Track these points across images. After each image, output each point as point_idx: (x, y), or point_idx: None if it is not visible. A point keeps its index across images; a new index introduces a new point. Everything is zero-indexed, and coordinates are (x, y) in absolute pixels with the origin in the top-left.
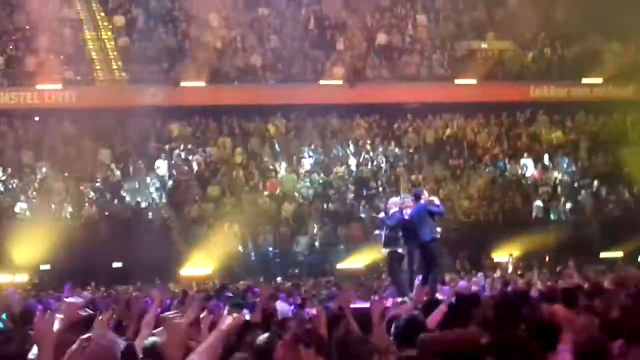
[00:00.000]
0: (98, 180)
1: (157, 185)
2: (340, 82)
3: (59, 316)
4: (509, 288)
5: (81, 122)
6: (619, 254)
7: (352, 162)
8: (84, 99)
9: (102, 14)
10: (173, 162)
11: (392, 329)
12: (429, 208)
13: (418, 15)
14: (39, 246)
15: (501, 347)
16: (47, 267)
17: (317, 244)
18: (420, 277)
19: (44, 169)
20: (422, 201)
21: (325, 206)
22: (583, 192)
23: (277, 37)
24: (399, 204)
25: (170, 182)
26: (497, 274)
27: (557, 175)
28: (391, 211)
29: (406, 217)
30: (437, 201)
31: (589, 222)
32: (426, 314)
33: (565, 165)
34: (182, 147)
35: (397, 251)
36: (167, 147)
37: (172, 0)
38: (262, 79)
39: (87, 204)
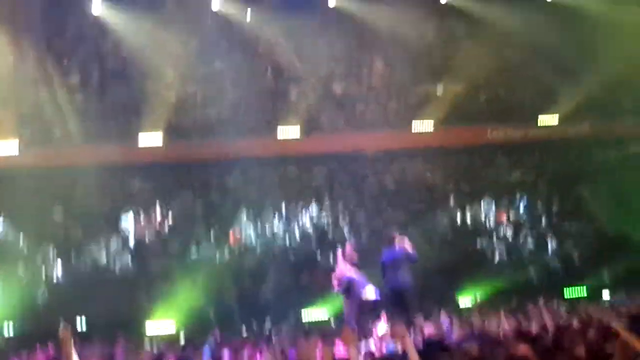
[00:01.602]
0: (57, 239)
1: (118, 243)
2: (297, 132)
3: None
4: (475, 331)
5: (38, 181)
6: (583, 291)
7: (313, 210)
8: (41, 158)
9: (57, 72)
10: (134, 218)
11: None
12: (407, 253)
13: (373, 63)
14: None
15: None
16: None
17: (280, 293)
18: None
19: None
20: (396, 245)
21: (287, 256)
22: (544, 231)
23: (234, 90)
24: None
25: (132, 239)
26: (462, 317)
27: (518, 215)
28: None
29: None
30: (409, 246)
31: (551, 261)
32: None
33: (525, 205)
34: (142, 203)
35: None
36: (127, 203)
37: (126, 57)
38: (220, 133)
39: (47, 263)
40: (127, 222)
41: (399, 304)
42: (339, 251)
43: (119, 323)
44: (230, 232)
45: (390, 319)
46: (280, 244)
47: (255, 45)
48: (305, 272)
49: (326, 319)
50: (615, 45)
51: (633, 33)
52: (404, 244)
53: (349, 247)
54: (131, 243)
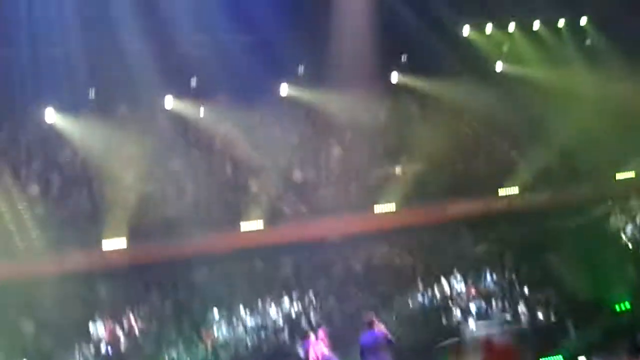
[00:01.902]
0: (28, 352)
1: (91, 351)
2: (260, 224)
3: None
4: None
5: (3, 295)
6: (558, 358)
7: (284, 301)
8: (5, 272)
9: (16, 184)
10: (104, 325)
11: None
12: (387, 335)
13: (330, 148)
14: None
15: None
16: None
17: None
18: None
19: None
20: (375, 329)
21: (260, 349)
22: (515, 301)
23: (193, 186)
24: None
25: (103, 346)
26: None
27: (487, 287)
28: None
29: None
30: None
31: (524, 331)
32: None
33: (493, 277)
34: (110, 308)
35: None
36: (95, 310)
37: (84, 163)
38: (183, 231)
39: None
40: (98, 329)
41: None
42: (312, 336)
43: None
44: (203, 330)
45: None
46: (253, 338)
47: (211, 141)
48: None
49: None
50: (567, 111)
51: (583, 100)
52: (382, 327)
53: (322, 332)
54: (103, 350)
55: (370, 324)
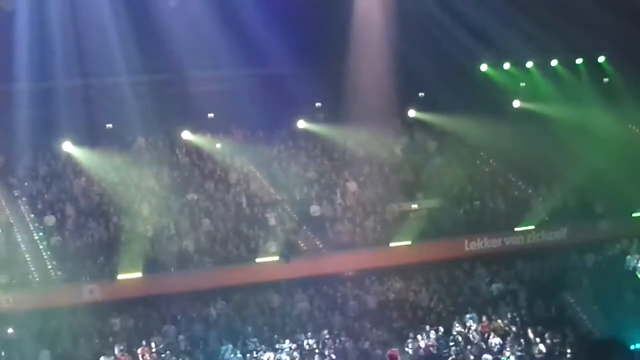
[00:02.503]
0: None
1: None
2: (276, 258)
3: None
4: None
5: (20, 325)
6: None
7: (299, 336)
8: (21, 302)
9: (32, 215)
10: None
11: None
12: None
13: (347, 183)
14: None
15: None
16: None
17: None
18: None
19: None
20: None
21: None
22: (529, 340)
23: (209, 220)
24: None
25: None
26: None
27: (502, 325)
28: None
29: None
30: None
31: None
32: None
33: (509, 315)
34: (125, 340)
35: None
36: (110, 341)
37: (101, 195)
38: (199, 264)
39: None
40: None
41: None
42: None
43: None
44: None
45: None
46: None
47: (227, 174)
48: None
49: None
50: (584, 148)
51: (600, 138)
52: None
53: None
54: None
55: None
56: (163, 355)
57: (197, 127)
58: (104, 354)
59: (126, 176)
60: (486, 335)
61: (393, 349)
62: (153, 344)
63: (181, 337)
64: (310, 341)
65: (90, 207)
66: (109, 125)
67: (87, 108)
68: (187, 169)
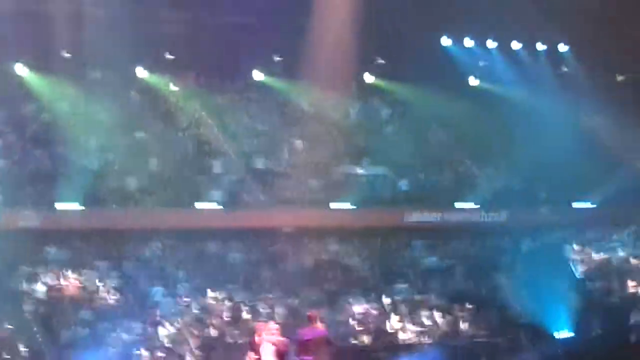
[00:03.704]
0: None
1: (30, 309)
2: (217, 206)
3: None
4: None
5: None
6: None
7: (230, 286)
8: None
9: None
10: (48, 286)
11: None
12: (327, 335)
13: (295, 140)
14: None
15: None
16: None
17: None
18: None
19: None
20: (317, 325)
21: (203, 331)
22: (457, 316)
23: (155, 160)
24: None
25: (43, 306)
26: None
27: (431, 299)
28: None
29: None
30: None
31: (463, 346)
32: None
33: (440, 290)
34: (57, 270)
35: None
36: (41, 270)
37: (48, 123)
38: (139, 203)
39: None
40: (40, 286)
41: None
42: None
43: None
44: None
45: None
46: (195, 321)
47: (178, 117)
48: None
49: None
50: (535, 134)
51: (552, 125)
52: (322, 326)
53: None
54: (43, 310)
55: (312, 320)
56: (93, 289)
57: (154, 67)
58: (35, 281)
59: (77, 107)
60: (413, 308)
61: (314, 309)
62: (83, 276)
63: (113, 273)
64: (241, 293)
65: (37, 135)
66: (66, 54)
67: (45, 32)
68: (139, 107)
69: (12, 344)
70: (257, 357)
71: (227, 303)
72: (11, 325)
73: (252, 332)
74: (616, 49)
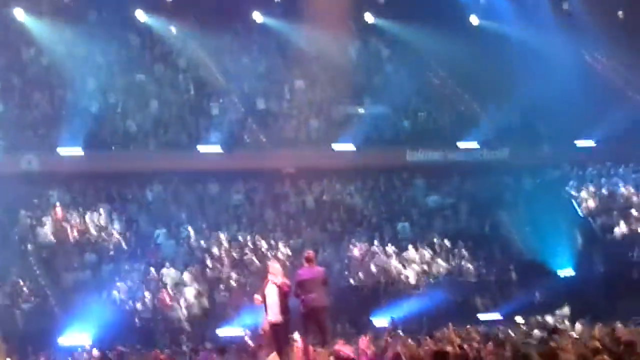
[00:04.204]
0: None
1: (33, 253)
2: (218, 148)
3: None
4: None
5: None
6: (496, 315)
7: (233, 227)
8: None
9: None
10: (51, 229)
11: None
12: (325, 275)
13: (296, 80)
14: None
15: None
16: None
17: (196, 309)
18: None
19: None
20: (314, 266)
21: (203, 272)
22: (460, 254)
23: (155, 102)
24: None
25: (46, 250)
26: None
27: (434, 238)
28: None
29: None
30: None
31: (466, 284)
32: None
33: (443, 228)
34: (60, 213)
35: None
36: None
37: (48, 66)
38: (140, 145)
39: None
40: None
41: (314, 324)
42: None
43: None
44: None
45: (304, 340)
46: (198, 261)
47: (178, 59)
48: (222, 290)
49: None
50: (536, 72)
51: (553, 64)
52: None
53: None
54: (45, 253)
55: (310, 260)
56: (95, 232)
57: (152, 8)
58: (37, 225)
59: (76, 51)
60: (417, 247)
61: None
62: (87, 219)
63: (115, 216)
64: (244, 233)
65: (37, 78)
66: None
67: None
68: (138, 50)
69: (16, 288)
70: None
71: (230, 244)
72: (14, 269)
73: (256, 273)
74: None
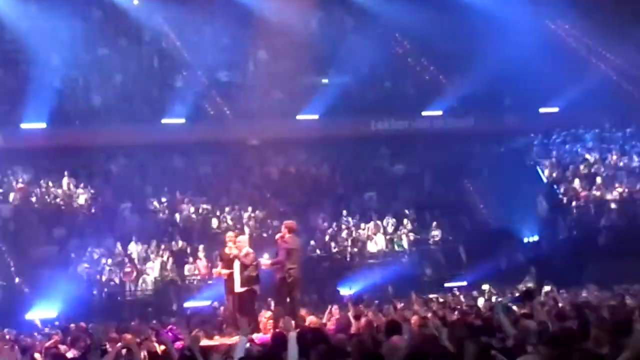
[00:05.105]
0: None
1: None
2: (182, 120)
3: None
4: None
5: None
6: (463, 282)
7: (198, 199)
8: None
9: None
10: (15, 204)
11: None
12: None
13: (259, 52)
14: None
15: None
16: None
17: (163, 283)
18: None
19: None
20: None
21: (169, 245)
22: (425, 223)
23: (119, 76)
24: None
25: (11, 226)
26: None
27: (400, 207)
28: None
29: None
30: None
31: (432, 253)
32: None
33: (407, 197)
34: (24, 189)
35: (252, 288)
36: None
37: (11, 42)
38: (104, 119)
39: None
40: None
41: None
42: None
43: None
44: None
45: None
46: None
47: (141, 32)
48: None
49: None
50: (500, 40)
51: (517, 31)
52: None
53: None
54: (12, 229)
55: (293, 230)
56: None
57: None
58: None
59: (39, 25)
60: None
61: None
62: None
63: (80, 191)
64: (208, 206)
65: (0, 53)
66: None
67: None
68: (101, 23)
69: None
70: (228, 270)
71: (196, 216)
72: None
73: (221, 245)
74: None
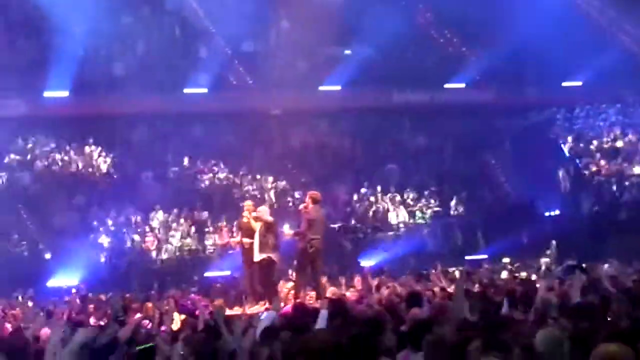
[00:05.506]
0: None
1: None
2: (204, 90)
3: None
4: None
5: None
6: (484, 256)
7: (219, 169)
8: None
9: None
10: (37, 172)
11: None
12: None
13: (282, 21)
14: None
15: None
16: None
17: (184, 252)
18: None
19: None
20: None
21: (191, 214)
22: (448, 197)
23: (141, 45)
24: None
25: (33, 194)
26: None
27: (421, 179)
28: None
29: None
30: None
31: (453, 226)
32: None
33: (428, 170)
34: (46, 157)
35: (271, 257)
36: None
37: (33, 10)
38: (127, 88)
39: None
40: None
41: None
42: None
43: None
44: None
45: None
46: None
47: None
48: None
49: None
50: (524, 13)
51: (540, 4)
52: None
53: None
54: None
55: (318, 201)
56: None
57: None
58: (24, 168)
59: None
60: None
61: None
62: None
63: (101, 159)
64: (229, 175)
65: (22, 22)
66: None
67: None
68: None
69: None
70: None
71: (218, 185)
72: (1, 215)
73: (240, 213)
74: None
